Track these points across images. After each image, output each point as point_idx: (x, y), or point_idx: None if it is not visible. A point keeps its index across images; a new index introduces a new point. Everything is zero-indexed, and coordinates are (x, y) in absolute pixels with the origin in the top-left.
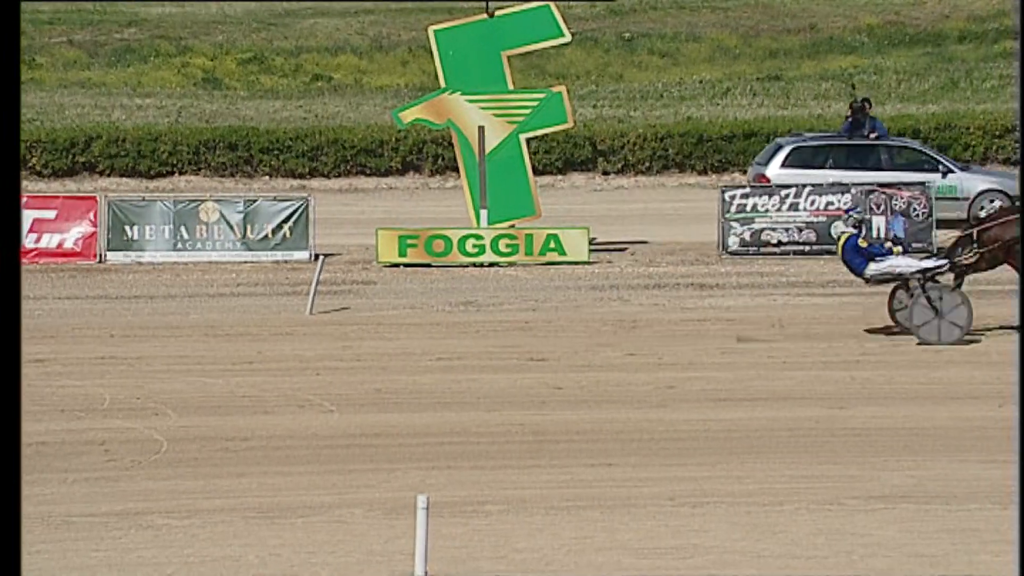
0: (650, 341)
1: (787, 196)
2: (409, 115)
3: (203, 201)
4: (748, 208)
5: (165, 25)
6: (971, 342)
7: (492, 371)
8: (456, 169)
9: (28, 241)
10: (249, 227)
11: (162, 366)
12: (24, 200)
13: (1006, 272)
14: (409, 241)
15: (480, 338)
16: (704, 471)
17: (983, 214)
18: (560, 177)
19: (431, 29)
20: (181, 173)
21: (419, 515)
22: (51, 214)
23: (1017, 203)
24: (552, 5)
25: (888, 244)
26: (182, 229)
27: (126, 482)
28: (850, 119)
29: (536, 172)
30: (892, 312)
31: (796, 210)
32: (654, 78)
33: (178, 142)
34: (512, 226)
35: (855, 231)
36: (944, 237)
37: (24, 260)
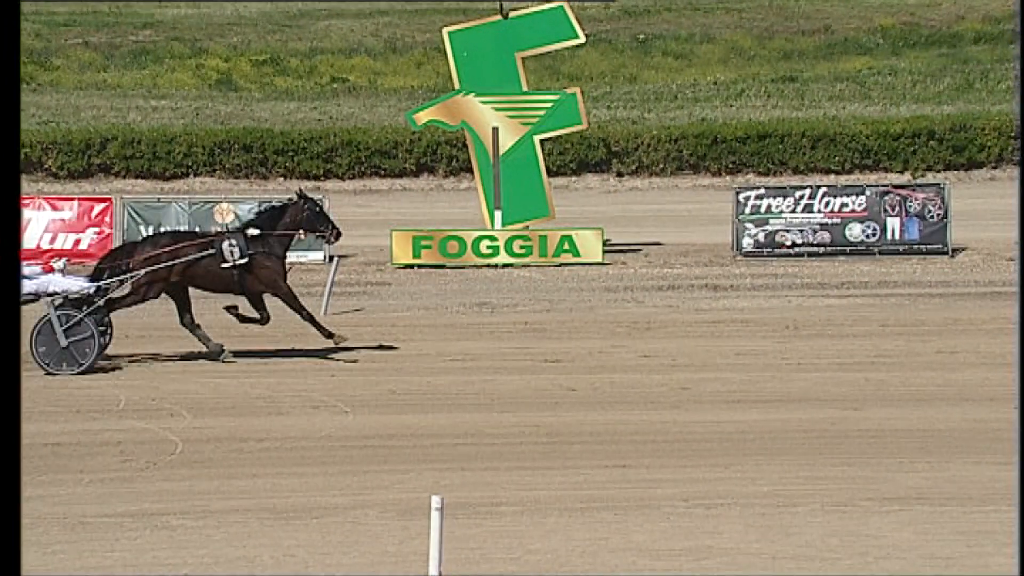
0: (664, 342)
1: (801, 197)
2: (423, 116)
3: (218, 202)
4: (762, 209)
5: (180, 27)
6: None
7: (506, 372)
8: (470, 170)
9: (43, 242)
10: None
11: (177, 367)
12: (40, 201)
13: (1008, 273)
14: (423, 242)
15: (494, 339)
16: (718, 472)
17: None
18: (574, 178)
19: (445, 30)
20: (196, 174)
21: (433, 516)
22: (67, 215)
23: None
24: (566, 6)
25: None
26: (197, 230)
27: (141, 483)
28: None
29: (550, 173)
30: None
31: (810, 211)
32: (668, 79)
33: (193, 144)
34: (526, 227)
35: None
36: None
37: (39, 261)
